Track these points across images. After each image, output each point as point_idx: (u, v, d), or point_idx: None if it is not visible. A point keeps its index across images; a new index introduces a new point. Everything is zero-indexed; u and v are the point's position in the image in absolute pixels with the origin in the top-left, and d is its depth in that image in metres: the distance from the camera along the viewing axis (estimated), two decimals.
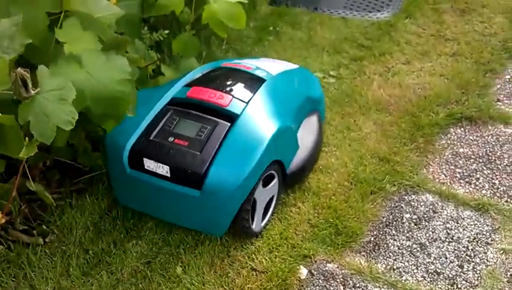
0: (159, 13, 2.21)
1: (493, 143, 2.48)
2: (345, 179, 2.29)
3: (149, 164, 1.92)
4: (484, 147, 2.46)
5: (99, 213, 2.16)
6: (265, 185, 2.02)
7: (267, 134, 1.93)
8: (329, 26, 3.25)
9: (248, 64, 2.33)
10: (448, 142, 2.49)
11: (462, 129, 2.56)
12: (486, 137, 2.51)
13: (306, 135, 2.27)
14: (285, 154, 2.12)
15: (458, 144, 2.48)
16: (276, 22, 3.40)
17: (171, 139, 1.94)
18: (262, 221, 2.09)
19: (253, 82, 2.17)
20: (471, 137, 2.52)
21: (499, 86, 2.80)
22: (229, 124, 1.96)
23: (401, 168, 2.34)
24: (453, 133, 2.54)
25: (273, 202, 2.14)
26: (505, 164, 2.36)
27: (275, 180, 2.08)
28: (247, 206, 1.94)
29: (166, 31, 2.67)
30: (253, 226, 2.02)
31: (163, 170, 1.90)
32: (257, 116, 2.01)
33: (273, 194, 2.12)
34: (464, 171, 2.34)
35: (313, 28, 3.31)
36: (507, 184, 2.26)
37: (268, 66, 2.34)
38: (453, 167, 2.36)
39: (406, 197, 2.23)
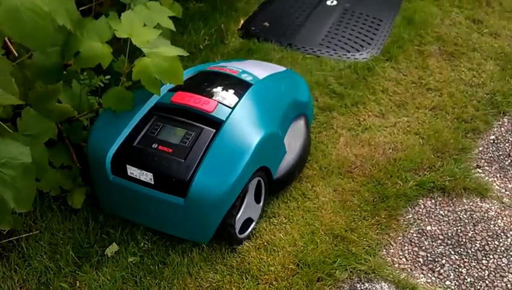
0: (83, 66, 1.99)
1: (466, 221, 2.24)
2: (291, 261, 2.07)
3: (132, 171, 1.94)
4: (455, 225, 2.22)
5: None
6: (257, 200, 2.13)
7: (252, 141, 1.96)
8: (301, 67, 3.02)
9: (234, 68, 2.34)
10: (415, 217, 2.25)
11: (433, 201, 2.32)
12: (459, 213, 2.27)
13: (293, 139, 2.30)
14: (272, 161, 2.15)
15: (426, 219, 2.24)
16: (245, 59, 3.16)
17: (154, 145, 1.96)
18: (245, 231, 2.12)
19: (239, 87, 2.19)
20: (441, 212, 2.28)
21: (480, 149, 2.56)
22: (214, 130, 1.98)
23: (356, 249, 2.11)
24: (422, 206, 2.30)
25: (255, 221, 2.18)
26: (476, 248, 2.13)
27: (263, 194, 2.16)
28: (233, 212, 1.97)
29: (108, 76, 2.47)
30: (238, 233, 2.05)
31: (147, 177, 1.93)
32: (243, 122, 2.03)
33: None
34: (429, 255, 2.11)
35: None
36: (475, 275, 2.03)
37: (254, 70, 2.35)
38: (416, 249, 2.13)
39: (357, 286, 2.00)
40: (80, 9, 2.42)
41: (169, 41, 2.26)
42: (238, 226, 2.06)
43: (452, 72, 2.99)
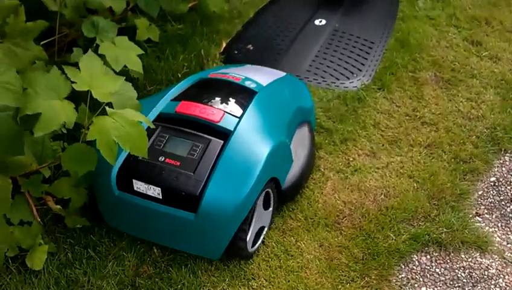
0: (46, 131, 1.78)
1: (464, 280, 2.07)
2: None
3: (139, 186, 1.91)
4: (452, 286, 2.06)
5: None
6: (266, 207, 2.08)
7: (263, 152, 1.94)
8: None
9: (236, 74, 2.32)
10: (409, 276, 2.08)
11: (428, 257, 2.15)
12: (457, 271, 2.10)
13: (299, 147, 2.28)
14: (281, 171, 2.15)
15: (421, 279, 2.08)
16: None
17: (161, 158, 1.93)
18: (255, 243, 2.09)
19: (244, 95, 2.17)
20: (438, 270, 2.10)
21: (480, 193, 2.38)
22: (222, 141, 1.96)
23: None
24: (416, 263, 2.13)
25: (267, 227, 2.17)
26: None
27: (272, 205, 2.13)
28: (245, 226, 1.93)
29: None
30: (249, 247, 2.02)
31: (155, 191, 1.89)
32: (251, 132, 2.01)
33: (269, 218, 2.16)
34: None
35: None
36: None
37: (256, 76, 2.33)
38: None
39: None
40: (44, 42, 2.25)
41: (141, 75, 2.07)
42: (250, 239, 2.04)
43: (449, 102, 2.80)
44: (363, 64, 3.05)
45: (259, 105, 2.13)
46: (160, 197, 1.89)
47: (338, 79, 2.97)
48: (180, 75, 2.97)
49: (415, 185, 2.40)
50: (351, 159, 2.53)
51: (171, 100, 2.14)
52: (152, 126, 1.90)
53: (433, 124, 2.68)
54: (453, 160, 2.50)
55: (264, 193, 2.02)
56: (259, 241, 2.13)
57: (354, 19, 3.40)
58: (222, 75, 2.33)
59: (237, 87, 2.24)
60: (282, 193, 2.17)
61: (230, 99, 2.14)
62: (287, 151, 2.19)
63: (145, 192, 1.91)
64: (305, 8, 3.53)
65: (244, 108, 2.08)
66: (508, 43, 3.17)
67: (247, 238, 2.00)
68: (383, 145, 2.59)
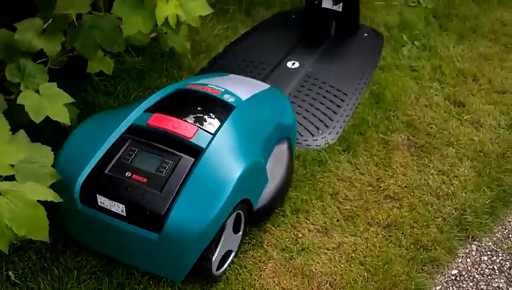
0: None
1: None
2: None
3: (103, 201, 1.86)
4: None
5: None
6: (235, 231, 2.06)
7: (234, 173, 1.88)
8: None
9: (216, 87, 2.26)
10: None
11: None
12: None
13: (275, 165, 2.24)
14: (254, 192, 2.09)
15: None
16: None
17: (128, 174, 1.88)
18: (220, 267, 2.06)
19: (221, 110, 2.13)
20: None
21: (438, 289, 2.14)
22: (193, 158, 1.91)
23: None
24: None
25: (234, 252, 2.14)
26: None
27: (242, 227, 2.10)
28: (211, 247, 1.89)
29: None
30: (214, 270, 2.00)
31: (119, 208, 1.84)
32: (224, 151, 1.96)
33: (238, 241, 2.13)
34: None
35: None
36: None
37: (237, 89, 2.28)
38: None
39: None
40: None
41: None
42: (216, 262, 2.00)
43: (418, 173, 2.57)
44: (331, 120, 2.82)
45: (235, 121, 2.08)
46: (124, 215, 1.84)
47: (301, 135, 2.75)
48: None
49: (365, 274, 2.17)
50: (300, 235, 2.30)
51: (145, 111, 2.07)
52: None
53: (397, 200, 2.45)
54: (412, 246, 2.27)
55: (234, 214, 1.97)
56: (225, 266, 2.09)
57: (330, 64, 3.18)
58: (201, 86, 2.26)
59: (215, 101, 2.18)
60: (254, 214, 2.12)
61: (206, 114, 2.10)
62: (262, 172, 2.13)
63: (109, 208, 1.85)
64: (279, 46, 3.31)
65: (220, 124, 2.03)
66: (493, 106, 2.94)
67: (213, 259, 1.95)
68: (338, 220, 2.36)
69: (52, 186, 1.78)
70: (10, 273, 2.08)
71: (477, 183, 2.54)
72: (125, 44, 2.32)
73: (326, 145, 2.69)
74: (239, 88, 2.30)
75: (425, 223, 2.37)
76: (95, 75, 2.89)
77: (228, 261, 2.11)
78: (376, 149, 2.68)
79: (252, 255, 2.23)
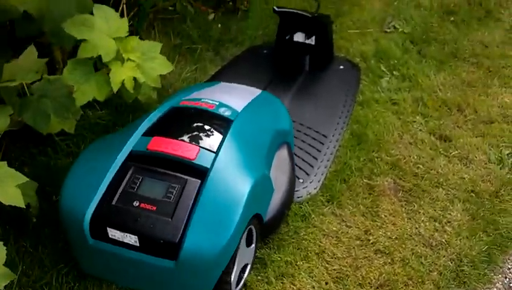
0: None
1: None
2: None
3: (114, 233, 1.85)
4: None
5: None
6: (248, 244, 2.06)
7: (244, 189, 1.88)
8: None
9: (209, 101, 2.25)
10: None
11: None
12: None
13: (278, 173, 2.25)
14: (263, 205, 2.11)
15: None
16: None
17: (136, 203, 1.87)
18: (239, 282, 2.09)
19: (219, 126, 2.12)
20: None
21: None
22: (199, 180, 1.90)
23: None
24: None
25: (250, 264, 2.16)
26: None
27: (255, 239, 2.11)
28: (228, 269, 1.90)
29: None
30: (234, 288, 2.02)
31: (131, 239, 1.84)
32: (229, 168, 1.95)
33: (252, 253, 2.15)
34: None
35: None
36: None
37: (231, 100, 2.27)
38: None
39: None
40: None
41: None
42: (234, 280, 2.01)
43: (409, 222, 2.43)
44: (312, 167, 2.67)
45: (235, 136, 2.07)
46: (138, 245, 1.84)
47: None
48: None
49: None
50: None
51: (143, 135, 2.06)
52: None
53: (388, 254, 2.30)
54: None
55: (247, 230, 1.97)
56: (243, 280, 2.12)
57: (306, 103, 3.04)
58: (195, 102, 2.25)
59: (211, 117, 2.18)
60: (264, 226, 2.14)
61: (205, 131, 2.09)
62: (268, 183, 2.15)
63: (121, 240, 1.85)
64: (255, 83, 3.14)
65: (221, 141, 2.02)
66: (481, 139, 2.81)
67: (232, 280, 1.97)
68: (326, 283, 2.21)
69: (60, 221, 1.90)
70: None
71: (471, 228, 2.40)
72: (80, 111, 2.15)
73: (309, 196, 2.53)
74: (232, 98, 2.30)
75: (420, 280, 2.22)
76: (55, 135, 2.71)
77: (245, 275, 2.14)
78: (361, 197, 2.53)
79: None
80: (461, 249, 2.32)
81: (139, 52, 2.02)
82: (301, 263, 2.28)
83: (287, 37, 3.20)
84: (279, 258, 2.29)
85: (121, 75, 1.95)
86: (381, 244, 2.35)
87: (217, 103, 2.23)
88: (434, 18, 3.76)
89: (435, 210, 2.49)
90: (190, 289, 1.95)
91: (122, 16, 3.24)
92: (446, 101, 3.05)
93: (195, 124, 2.13)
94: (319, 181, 2.62)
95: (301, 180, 2.60)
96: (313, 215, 2.45)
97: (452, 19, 3.78)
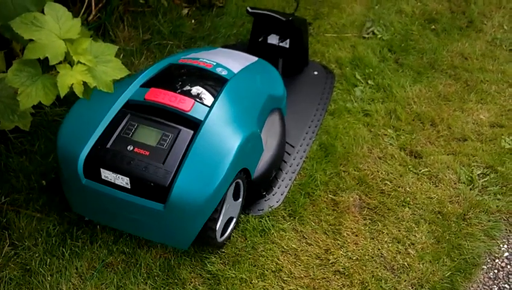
0: None
1: None
2: None
3: (107, 175, 1.98)
4: None
5: None
6: (235, 198, 2.22)
7: (234, 143, 2.02)
8: None
9: (207, 60, 2.37)
10: None
11: None
12: None
13: (269, 136, 2.40)
14: (252, 161, 2.25)
15: None
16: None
17: (130, 147, 2.00)
18: (224, 233, 2.23)
19: (215, 83, 2.25)
20: None
21: None
22: (192, 131, 2.03)
23: None
24: None
25: (235, 218, 2.31)
26: None
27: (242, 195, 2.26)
28: (215, 216, 2.04)
29: None
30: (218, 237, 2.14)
31: (123, 181, 1.96)
32: (222, 122, 2.09)
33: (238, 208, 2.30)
34: None
35: None
36: None
37: (228, 62, 2.39)
38: None
39: None
40: None
41: None
42: (219, 229, 2.14)
43: (371, 242, 2.36)
44: (276, 178, 2.58)
45: (230, 94, 2.20)
46: (129, 187, 1.96)
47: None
48: (45, 183, 2.46)
49: None
50: None
51: (141, 86, 2.18)
52: None
53: (348, 276, 2.24)
54: None
55: (234, 183, 2.11)
56: (228, 232, 2.25)
57: None
58: (193, 60, 2.38)
59: (208, 74, 2.30)
60: (252, 183, 2.28)
61: (201, 87, 2.20)
62: (258, 142, 2.28)
63: (113, 181, 1.97)
64: None
65: (215, 97, 2.15)
66: (452, 157, 2.75)
67: (217, 228, 2.10)
68: None
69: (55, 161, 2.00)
70: None
71: (435, 252, 2.34)
72: (28, 114, 2.05)
73: (270, 209, 2.46)
74: (230, 61, 2.42)
75: None
76: (9, 132, 2.60)
77: (230, 228, 2.26)
78: (325, 213, 2.46)
79: None
80: (423, 274, 2.27)
81: (91, 54, 1.91)
82: (256, 281, 2.21)
83: (260, 39, 3.11)
84: (233, 275, 2.22)
85: (70, 79, 1.85)
86: (341, 265, 2.28)
87: (214, 63, 2.36)
88: (415, 25, 3.68)
89: (399, 231, 2.42)
90: (177, 233, 2.06)
91: (89, 7, 3.13)
92: (420, 115, 2.98)
93: (192, 80, 2.26)
94: (282, 194, 2.55)
95: (263, 193, 2.53)
96: (272, 231, 2.38)
97: (433, 27, 3.70)
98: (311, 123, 2.87)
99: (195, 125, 2.05)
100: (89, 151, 2.01)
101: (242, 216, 2.42)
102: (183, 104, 2.08)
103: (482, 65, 3.38)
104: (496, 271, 2.31)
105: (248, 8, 2.99)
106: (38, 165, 2.56)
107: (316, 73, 3.23)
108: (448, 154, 2.79)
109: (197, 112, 2.08)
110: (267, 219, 2.42)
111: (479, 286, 2.25)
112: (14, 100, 1.97)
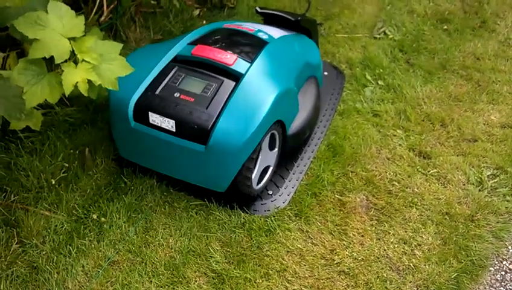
0: None
1: None
2: None
3: (154, 118, 2.18)
4: None
5: None
6: (271, 148, 2.38)
7: (271, 94, 2.21)
8: (178, 225, 2.36)
9: (250, 26, 2.60)
10: None
11: None
12: None
13: (305, 100, 2.56)
14: (287, 115, 2.40)
15: None
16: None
17: (177, 94, 2.20)
18: (260, 181, 2.41)
19: (257, 43, 2.46)
20: None
21: None
22: (234, 82, 2.23)
23: None
24: None
25: (272, 166, 2.48)
26: None
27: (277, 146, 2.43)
28: (250, 165, 2.22)
29: None
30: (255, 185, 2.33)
31: (169, 124, 2.16)
32: (261, 76, 2.29)
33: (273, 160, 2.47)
34: None
35: None
36: None
37: (269, 30, 2.62)
38: None
39: None
40: None
41: None
42: (256, 177, 2.34)
43: (377, 242, 2.35)
44: (283, 178, 2.59)
45: (269, 53, 2.40)
46: (174, 130, 2.16)
47: None
48: (54, 182, 2.49)
49: None
50: None
51: (188, 44, 2.41)
52: None
53: (353, 276, 2.23)
54: None
55: (270, 133, 2.30)
56: (265, 180, 2.43)
57: None
58: (237, 26, 2.62)
59: (250, 37, 2.52)
60: (287, 139, 2.43)
61: (244, 46, 2.42)
62: (294, 98, 2.45)
63: (159, 124, 2.18)
64: None
65: (256, 54, 2.35)
66: (462, 158, 2.73)
67: (253, 176, 2.30)
68: None
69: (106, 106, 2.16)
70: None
71: (442, 254, 2.32)
72: (39, 114, 2.07)
73: (276, 209, 2.46)
74: (271, 30, 2.64)
75: None
76: (20, 131, 2.64)
77: (267, 176, 2.44)
78: (331, 213, 2.46)
79: None
80: (429, 275, 2.25)
81: (96, 53, 1.94)
82: (260, 280, 2.22)
83: None
84: (238, 275, 2.22)
85: (75, 77, 1.87)
86: (346, 265, 2.28)
87: (256, 29, 2.59)
88: (426, 26, 3.66)
89: (405, 231, 2.41)
90: (216, 174, 2.23)
91: (101, 8, 3.17)
92: (430, 116, 2.96)
93: (235, 40, 2.49)
94: (288, 194, 2.55)
95: (270, 193, 2.53)
96: (278, 231, 2.38)
97: (445, 27, 3.68)
98: (319, 123, 2.87)
99: (236, 77, 2.24)
100: (139, 96, 2.20)
101: (247, 216, 2.42)
102: (227, 58, 2.28)
103: (494, 65, 3.35)
104: (503, 273, 2.29)
105: (257, 8, 3.00)
106: (48, 164, 2.58)
107: (326, 73, 3.23)
108: (457, 155, 2.77)
109: (239, 66, 2.28)
110: (272, 218, 2.42)
111: (485, 288, 2.23)
112: (21, 99, 1.99)
